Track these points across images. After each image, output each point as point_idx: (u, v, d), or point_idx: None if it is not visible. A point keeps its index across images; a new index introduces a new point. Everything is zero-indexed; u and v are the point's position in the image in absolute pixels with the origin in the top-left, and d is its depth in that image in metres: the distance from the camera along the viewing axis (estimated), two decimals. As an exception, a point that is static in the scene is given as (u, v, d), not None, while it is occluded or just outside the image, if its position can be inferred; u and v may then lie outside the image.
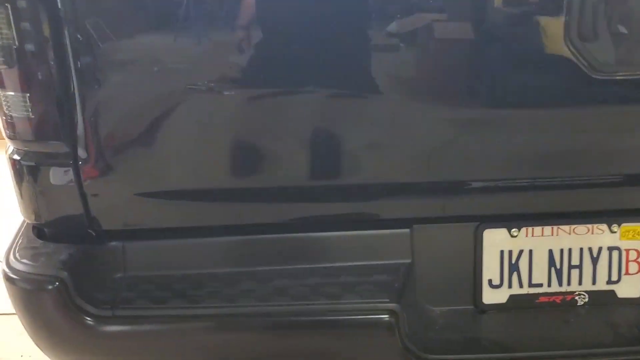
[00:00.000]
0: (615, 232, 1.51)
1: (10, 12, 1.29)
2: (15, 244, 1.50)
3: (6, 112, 1.40)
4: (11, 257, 1.46)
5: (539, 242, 1.52)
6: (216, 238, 1.49)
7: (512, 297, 1.54)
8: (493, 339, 1.49)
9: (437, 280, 1.53)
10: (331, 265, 1.50)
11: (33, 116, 1.36)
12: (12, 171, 1.46)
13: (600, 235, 1.51)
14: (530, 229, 1.51)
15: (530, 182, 1.46)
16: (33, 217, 1.48)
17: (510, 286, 1.54)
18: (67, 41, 1.30)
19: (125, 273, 1.48)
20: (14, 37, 1.31)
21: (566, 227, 1.51)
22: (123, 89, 1.35)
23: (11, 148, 1.46)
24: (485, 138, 1.42)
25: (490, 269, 1.53)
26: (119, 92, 1.35)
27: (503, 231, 1.51)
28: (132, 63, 1.33)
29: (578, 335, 1.48)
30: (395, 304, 1.39)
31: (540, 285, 1.54)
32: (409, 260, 1.50)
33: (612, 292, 1.54)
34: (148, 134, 1.37)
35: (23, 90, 1.35)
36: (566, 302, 1.54)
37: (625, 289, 1.54)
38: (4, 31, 1.31)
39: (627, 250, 1.52)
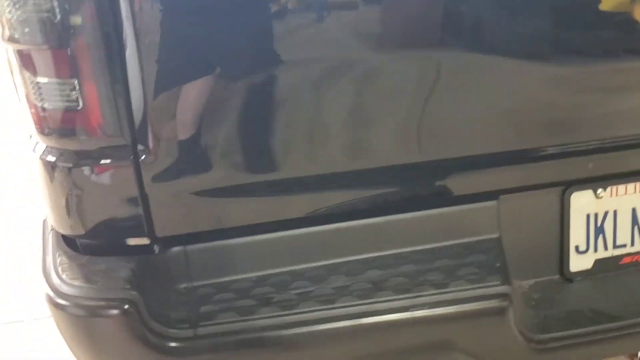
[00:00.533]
0: (692, 183, 1.48)
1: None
2: (53, 262, 1.23)
3: (36, 103, 1.13)
4: (56, 279, 1.19)
5: (623, 201, 1.46)
6: (291, 231, 1.30)
7: (597, 261, 1.47)
8: (595, 309, 1.41)
9: (524, 252, 1.42)
10: (418, 248, 1.35)
11: (82, 106, 1.10)
12: (43, 175, 1.19)
13: (678, 188, 1.47)
14: (614, 188, 1.44)
15: (616, 142, 1.39)
16: (74, 227, 1.22)
17: (595, 250, 1.47)
18: (126, 12, 1.05)
19: (191, 283, 1.27)
20: (53, 9, 1.04)
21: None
22: (193, 70, 1.12)
23: (40, 147, 1.19)
24: (574, 98, 1.33)
25: (577, 234, 1.45)
26: (189, 73, 1.12)
27: (589, 193, 1.43)
28: (207, 41, 1.11)
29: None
30: (507, 286, 1.28)
31: (624, 245, 1.48)
32: (497, 235, 1.39)
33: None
34: (220, 122, 1.16)
35: (67, 76, 1.08)
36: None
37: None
38: (41, 1, 1.04)
39: None
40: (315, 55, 1.15)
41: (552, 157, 1.37)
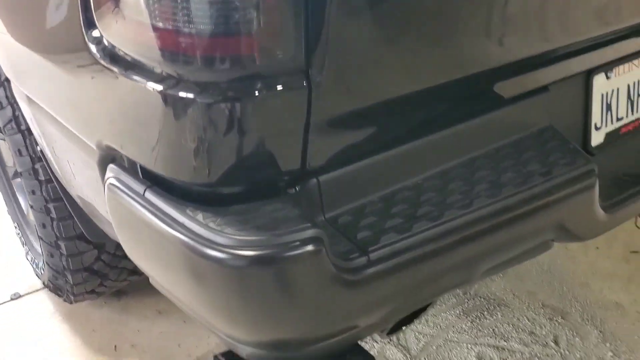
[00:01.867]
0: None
1: None
2: (183, 216, 1.06)
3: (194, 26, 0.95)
4: (208, 232, 1.04)
5: (622, 79, 1.68)
6: (406, 145, 1.29)
7: (606, 135, 1.69)
8: (628, 172, 1.62)
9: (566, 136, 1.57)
10: (502, 144, 1.43)
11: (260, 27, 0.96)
12: (175, 115, 1.02)
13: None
14: (617, 69, 1.65)
15: (617, 32, 1.57)
16: (219, 172, 1.07)
17: (606, 125, 1.68)
18: None
19: (335, 211, 1.20)
20: None
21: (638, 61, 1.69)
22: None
23: (166, 81, 1.01)
24: None
25: (596, 112, 1.64)
26: None
27: (603, 76, 1.62)
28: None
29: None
30: (592, 163, 1.41)
31: (622, 118, 1.72)
32: (548, 124, 1.52)
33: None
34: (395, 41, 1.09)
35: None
36: (637, 129, 1.75)
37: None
38: None
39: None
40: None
41: (581, 49, 1.52)
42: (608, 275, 2.46)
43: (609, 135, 1.69)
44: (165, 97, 1.03)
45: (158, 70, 1.04)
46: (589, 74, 1.59)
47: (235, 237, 1.03)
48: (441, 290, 1.30)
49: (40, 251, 2.15)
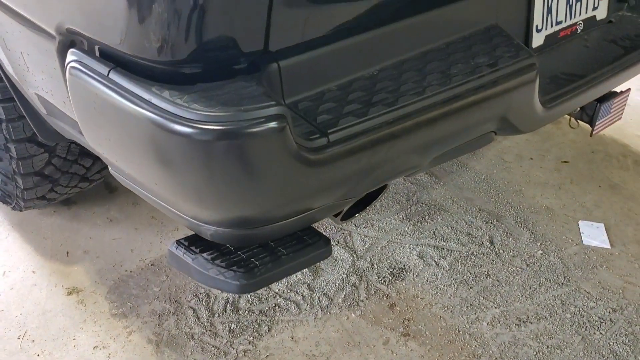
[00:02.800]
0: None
1: None
2: (149, 94, 1.10)
3: None
4: (175, 108, 1.07)
5: (562, -17, 1.76)
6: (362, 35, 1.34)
7: (546, 37, 1.78)
8: (565, 71, 1.73)
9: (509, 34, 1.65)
10: (454, 38, 1.50)
11: None
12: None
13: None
14: (558, -27, 1.73)
15: None
16: (182, 49, 1.10)
17: (546, 28, 1.77)
18: None
19: (297, 96, 1.25)
20: None
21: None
22: None
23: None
24: None
25: (537, 15, 1.72)
26: None
27: (544, -21, 1.70)
28: None
29: (606, 53, 1.82)
30: (534, 57, 1.50)
31: (561, 22, 1.81)
32: (495, 22, 1.59)
33: (594, 17, 1.90)
34: None
35: None
36: (573, 33, 1.86)
37: (601, 12, 1.92)
38: None
39: (603, -21, 1.88)
40: None
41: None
42: (540, 184, 2.62)
43: (548, 38, 1.79)
44: None
45: None
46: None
47: (203, 112, 1.07)
48: (393, 173, 1.38)
49: (-13, 157, 2.13)
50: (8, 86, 1.77)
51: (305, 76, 1.28)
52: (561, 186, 2.61)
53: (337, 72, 1.33)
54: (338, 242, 2.28)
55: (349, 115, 1.25)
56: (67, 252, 2.28)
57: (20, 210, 2.29)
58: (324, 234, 1.86)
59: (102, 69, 1.18)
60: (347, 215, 1.49)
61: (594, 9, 1.89)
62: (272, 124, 1.09)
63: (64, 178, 2.13)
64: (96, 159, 2.14)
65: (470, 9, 1.53)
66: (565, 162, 2.76)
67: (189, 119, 1.07)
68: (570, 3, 1.81)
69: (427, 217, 2.42)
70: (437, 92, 1.34)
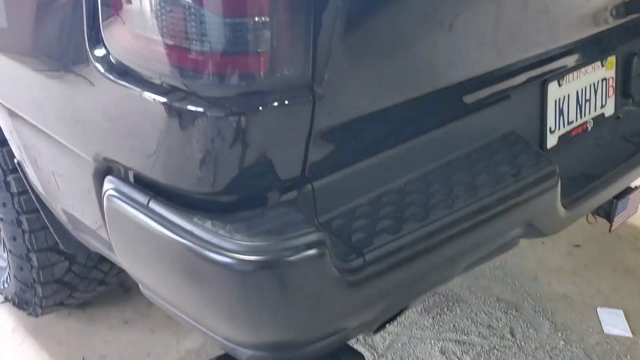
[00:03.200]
0: (604, 65, 1.91)
1: None
2: (191, 224, 1.12)
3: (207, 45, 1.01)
4: (218, 239, 1.09)
5: (571, 86, 1.82)
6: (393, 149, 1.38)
7: (560, 137, 1.83)
8: (581, 171, 1.76)
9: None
10: (475, 146, 1.54)
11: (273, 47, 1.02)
12: (177, 125, 1.08)
13: (597, 70, 1.89)
14: (567, 76, 1.80)
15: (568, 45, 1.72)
16: (216, 181, 1.13)
17: (559, 128, 1.82)
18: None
19: (329, 215, 1.28)
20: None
21: (584, 69, 1.84)
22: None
23: (175, 96, 1.07)
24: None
25: (550, 117, 1.77)
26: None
27: (555, 83, 1.76)
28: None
29: (617, 149, 1.86)
30: (554, 164, 1.54)
31: (572, 122, 1.86)
32: (512, 129, 1.64)
33: (602, 114, 1.96)
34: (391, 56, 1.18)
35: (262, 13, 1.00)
36: (584, 131, 1.90)
37: (609, 109, 1.98)
38: None
39: (610, 79, 1.94)
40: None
41: (537, 61, 1.65)
42: (555, 269, 2.63)
43: (561, 138, 1.83)
44: (175, 110, 1.08)
45: (167, 84, 1.09)
46: (544, 82, 1.72)
47: (245, 243, 1.09)
48: (429, 287, 1.39)
49: (5, 265, 2.13)
50: (33, 199, 1.79)
51: (337, 193, 1.31)
52: (576, 271, 2.62)
53: (367, 187, 1.36)
54: (357, 340, 2.26)
55: (382, 233, 1.27)
56: (83, 358, 2.24)
57: (37, 316, 2.27)
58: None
59: (142, 198, 1.20)
60: (379, 328, 1.49)
61: (602, 106, 1.95)
62: (313, 252, 1.11)
63: (83, 284, 2.13)
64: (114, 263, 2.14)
65: (489, 119, 1.57)
66: (577, 246, 2.77)
67: (232, 249, 1.09)
68: (580, 102, 1.87)
69: (446, 309, 2.41)
70: (466, 204, 1.37)
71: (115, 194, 1.25)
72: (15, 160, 1.71)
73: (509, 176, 1.47)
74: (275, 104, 1.08)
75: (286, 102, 1.09)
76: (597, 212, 1.94)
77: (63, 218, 1.66)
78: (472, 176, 1.46)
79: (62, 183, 1.52)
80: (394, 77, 1.26)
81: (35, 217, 1.86)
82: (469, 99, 1.49)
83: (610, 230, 1.94)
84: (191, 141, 1.10)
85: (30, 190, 1.76)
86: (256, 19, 0.98)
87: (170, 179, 1.18)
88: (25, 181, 1.73)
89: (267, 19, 0.99)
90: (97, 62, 1.16)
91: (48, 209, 1.75)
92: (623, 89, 1.98)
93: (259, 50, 1.02)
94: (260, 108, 1.07)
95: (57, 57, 1.30)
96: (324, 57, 1.09)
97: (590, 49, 1.80)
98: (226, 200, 1.18)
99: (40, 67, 1.36)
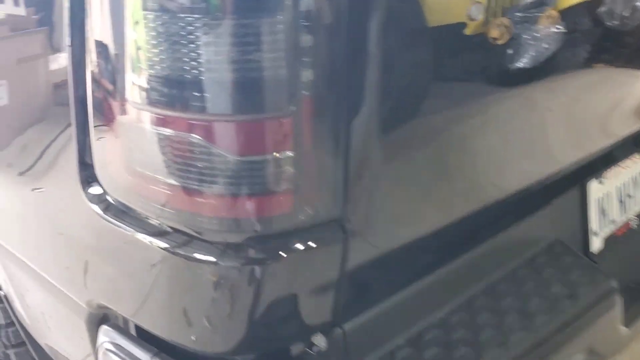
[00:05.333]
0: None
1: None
2: None
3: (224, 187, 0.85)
4: None
5: (613, 182, 1.67)
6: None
7: (604, 239, 1.66)
8: (632, 278, 1.58)
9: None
10: (517, 264, 1.37)
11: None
12: (194, 277, 0.90)
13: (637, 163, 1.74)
14: (607, 173, 1.64)
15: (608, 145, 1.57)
16: (231, 341, 0.94)
17: (602, 230, 1.65)
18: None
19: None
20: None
21: (622, 163, 1.69)
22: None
23: (182, 242, 0.89)
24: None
25: (593, 218, 1.60)
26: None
27: (596, 182, 1.61)
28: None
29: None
30: (612, 280, 1.37)
31: (614, 221, 1.69)
32: (555, 237, 1.48)
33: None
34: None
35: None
36: (629, 230, 1.74)
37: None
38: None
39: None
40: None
41: (577, 163, 1.50)
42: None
43: (606, 240, 1.66)
44: (182, 259, 0.91)
45: (172, 228, 0.92)
46: (584, 182, 1.57)
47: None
48: None
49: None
50: (21, 332, 1.60)
51: (371, 334, 1.12)
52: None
53: (405, 323, 1.17)
54: None
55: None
56: None
57: None
58: None
59: (143, 356, 1.02)
60: None
61: (649, 201, 1.79)
62: None
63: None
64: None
65: (531, 229, 1.41)
66: None
67: None
68: (622, 200, 1.71)
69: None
70: (523, 339, 1.19)
71: (112, 348, 1.07)
72: (1, 292, 1.54)
73: (564, 298, 1.29)
74: (300, 247, 0.91)
75: (312, 244, 0.91)
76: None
77: (52, 354, 1.47)
78: (523, 301, 1.28)
79: (52, 323, 1.34)
80: (434, 204, 1.10)
81: (24, 349, 1.67)
82: (510, 212, 1.33)
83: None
84: (200, 294, 0.93)
85: (16, 323, 1.57)
86: (275, 154, 0.82)
87: (176, 336, 0.99)
88: (11, 312, 1.54)
89: (290, 154, 0.83)
90: (93, 203, 1.00)
91: (35, 342, 1.56)
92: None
93: (280, 189, 0.85)
94: (282, 254, 0.90)
95: (50, 199, 1.14)
96: (357, 188, 0.93)
97: (629, 144, 1.66)
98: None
99: (32, 206, 1.20)
